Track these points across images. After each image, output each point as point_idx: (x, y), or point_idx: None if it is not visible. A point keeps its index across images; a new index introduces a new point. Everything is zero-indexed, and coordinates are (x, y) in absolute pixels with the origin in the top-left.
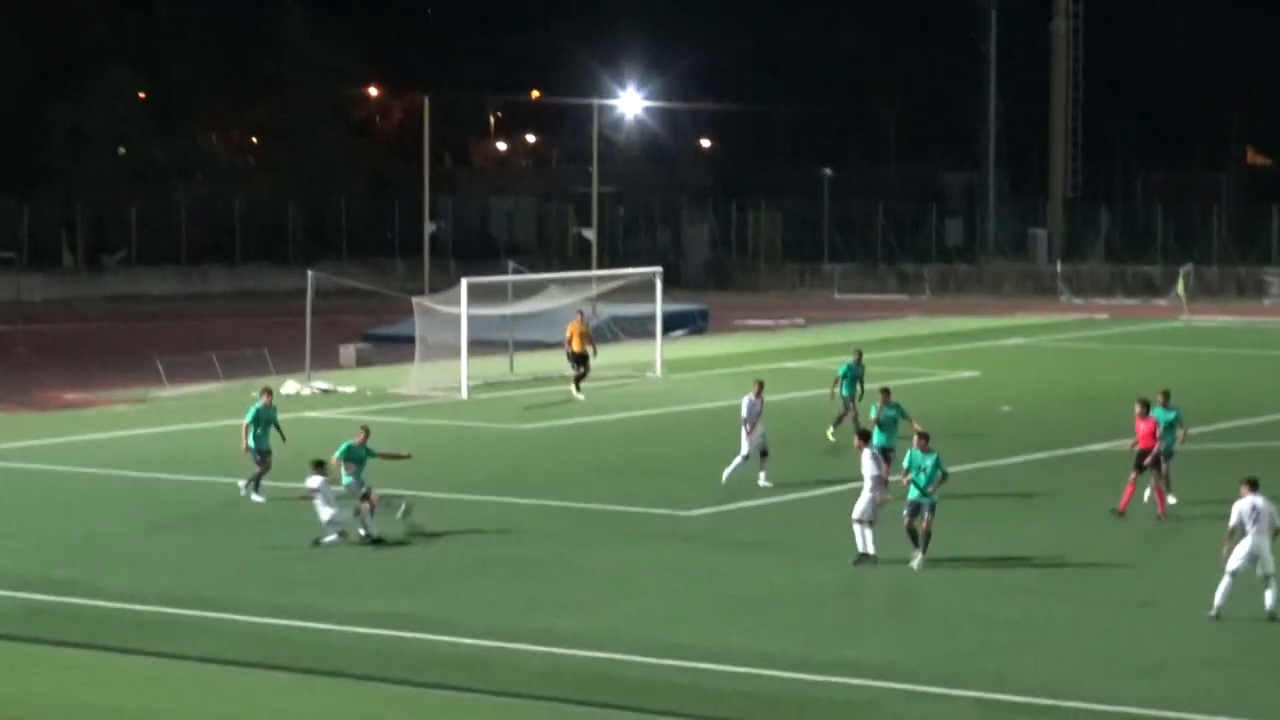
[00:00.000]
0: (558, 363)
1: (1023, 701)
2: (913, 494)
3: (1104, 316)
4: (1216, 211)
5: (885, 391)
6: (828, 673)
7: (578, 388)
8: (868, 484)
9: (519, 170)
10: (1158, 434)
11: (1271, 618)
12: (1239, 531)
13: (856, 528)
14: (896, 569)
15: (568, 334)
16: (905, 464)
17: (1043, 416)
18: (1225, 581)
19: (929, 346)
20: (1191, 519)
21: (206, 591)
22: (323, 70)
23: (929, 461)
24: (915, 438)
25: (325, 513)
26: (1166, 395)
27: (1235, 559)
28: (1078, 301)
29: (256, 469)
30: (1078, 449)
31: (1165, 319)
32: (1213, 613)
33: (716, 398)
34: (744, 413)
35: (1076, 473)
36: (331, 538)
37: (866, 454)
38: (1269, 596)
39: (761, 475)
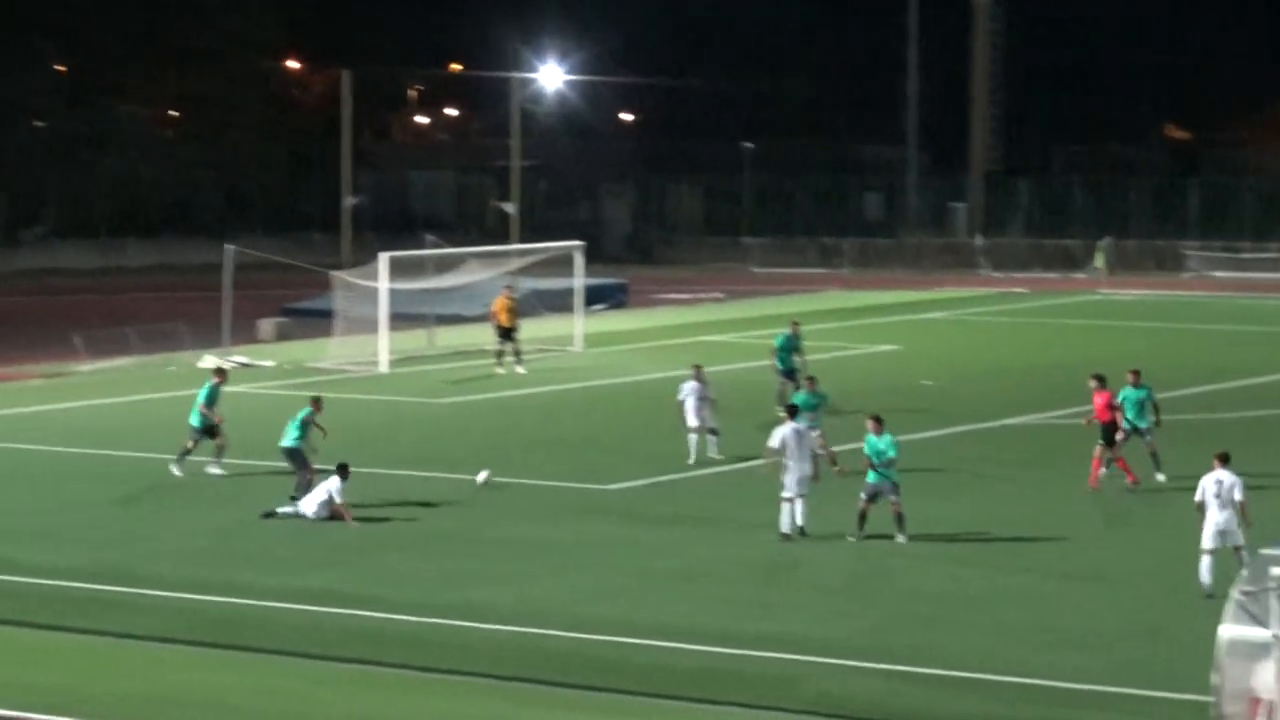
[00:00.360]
0: (478, 337)
1: (944, 674)
2: (871, 477)
3: (1023, 290)
4: (1135, 185)
5: (811, 380)
6: (749, 646)
7: (505, 360)
8: (788, 459)
9: (439, 144)
10: (1117, 407)
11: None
12: (1203, 507)
13: (785, 505)
14: (817, 543)
15: (494, 308)
16: (866, 450)
17: (964, 390)
18: (1204, 560)
19: (849, 320)
20: (1118, 492)
21: (127, 567)
22: (242, 43)
23: (883, 444)
24: (869, 420)
25: (309, 507)
26: (1136, 374)
27: (1206, 538)
28: (997, 275)
29: (189, 445)
30: (999, 422)
31: (1084, 292)
32: (1205, 592)
33: (637, 372)
34: (681, 396)
35: (999, 446)
36: (287, 510)
37: (786, 430)
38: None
39: (692, 450)
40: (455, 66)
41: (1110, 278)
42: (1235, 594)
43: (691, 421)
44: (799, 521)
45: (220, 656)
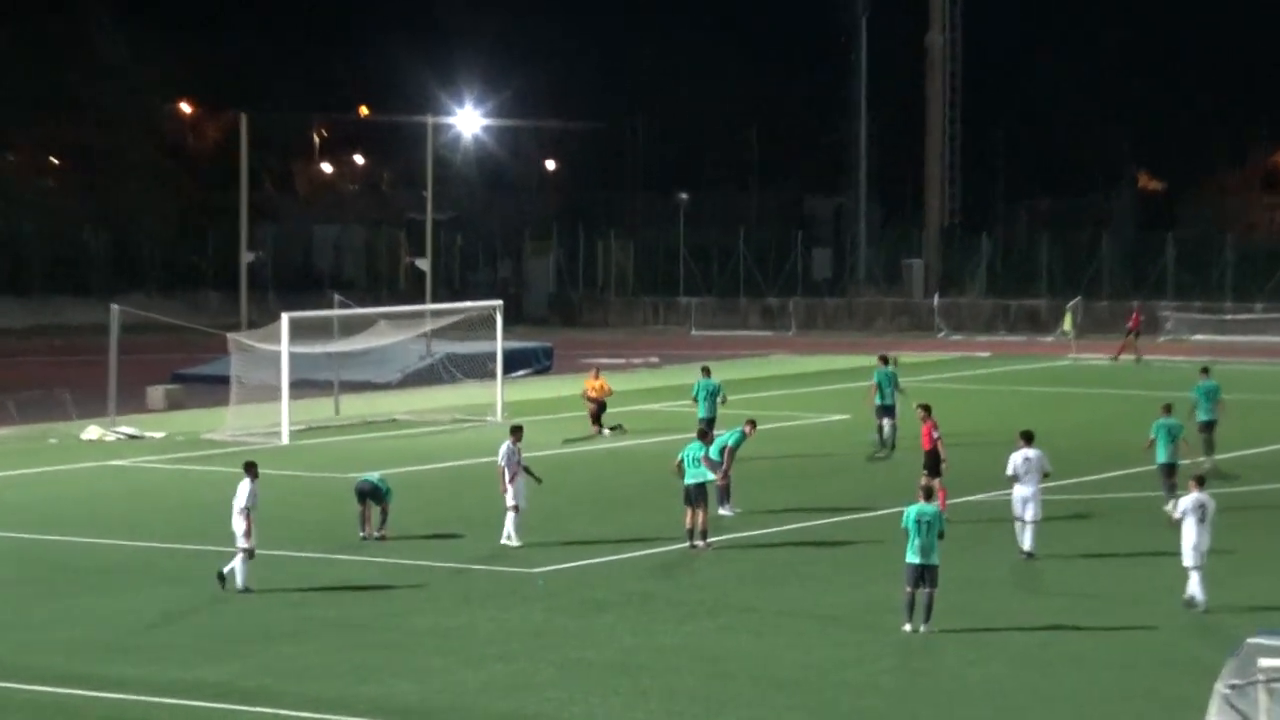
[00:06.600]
0: (388, 405)
1: None
2: (911, 556)
3: (985, 354)
4: (1106, 240)
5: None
6: None
7: None
8: None
9: (346, 195)
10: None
11: None
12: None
13: None
14: (763, 630)
15: None
16: (904, 523)
17: (920, 462)
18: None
19: (795, 387)
20: (1090, 569)
21: None
22: (131, 85)
23: (930, 513)
24: (919, 491)
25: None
26: (1206, 370)
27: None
28: (956, 338)
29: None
30: (960, 499)
31: (1051, 357)
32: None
33: (563, 445)
34: (502, 461)
35: (958, 524)
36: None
37: None
38: None
39: (512, 532)
40: (363, 110)
41: (1079, 341)
42: (1220, 687)
43: (508, 499)
44: None
45: None
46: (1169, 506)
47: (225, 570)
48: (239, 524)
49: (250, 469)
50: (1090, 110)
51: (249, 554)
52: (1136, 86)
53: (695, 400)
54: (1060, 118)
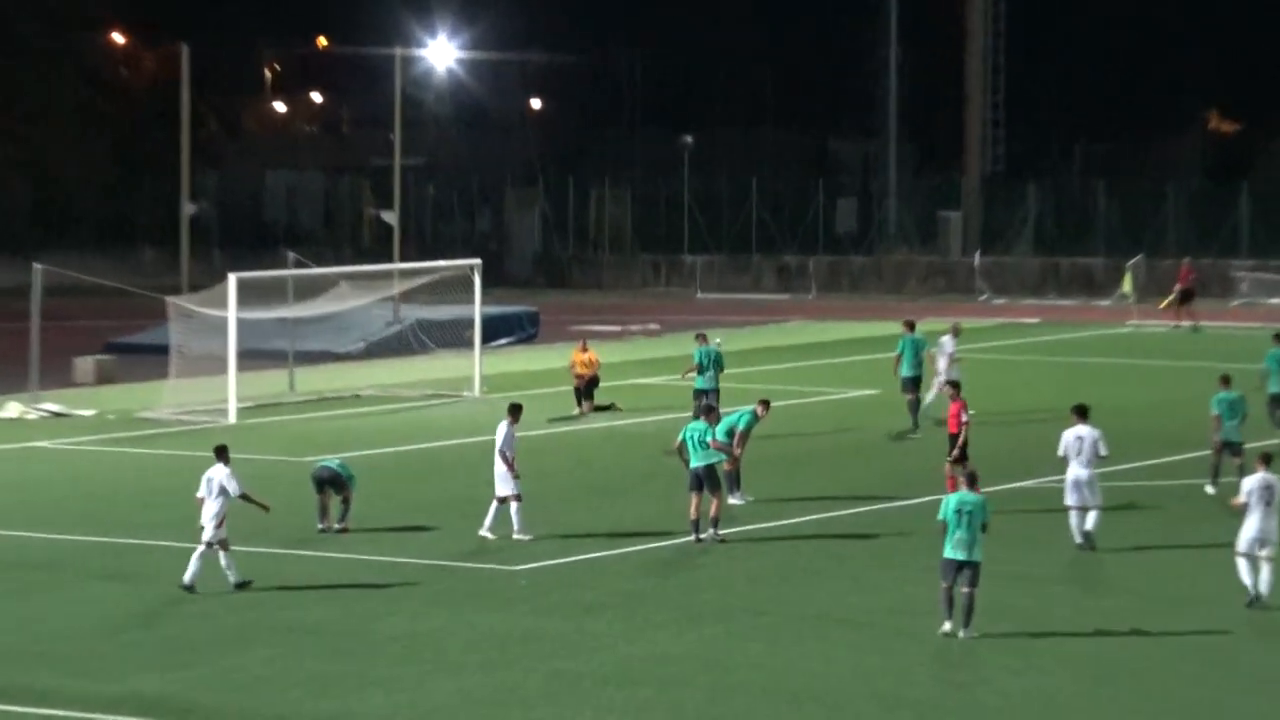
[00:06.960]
0: (348, 378)
1: None
2: (949, 551)
3: (1033, 320)
4: (1173, 190)
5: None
6: None
7: None
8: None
9: (302, 138)
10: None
11: None
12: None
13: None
14: (770, 635)
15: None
16: (941, 514)
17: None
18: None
19: (815, 358)
20: (1142, 567)
21: None
22: (54, 11)
23: (972, 502)
24: (962, 479)
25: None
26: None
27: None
28: (1000, 302)
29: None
30: (1004, 486)
31: (1109, 324)
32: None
33: (550, 422)
34: (503, 446)
35: (1005, 516)
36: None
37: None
38: None
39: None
40: (321, 41)
41: (1140, 306)
42: None
43: (506, 486)
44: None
45: None
46: (1211, 489)
47: (237, 581)
48: (218, 513)
49: (222, 453)
50: (1154, 41)
51: (224, 545)
52: (1207, 13)
53: (700, 368)
54: (1120, 50)
